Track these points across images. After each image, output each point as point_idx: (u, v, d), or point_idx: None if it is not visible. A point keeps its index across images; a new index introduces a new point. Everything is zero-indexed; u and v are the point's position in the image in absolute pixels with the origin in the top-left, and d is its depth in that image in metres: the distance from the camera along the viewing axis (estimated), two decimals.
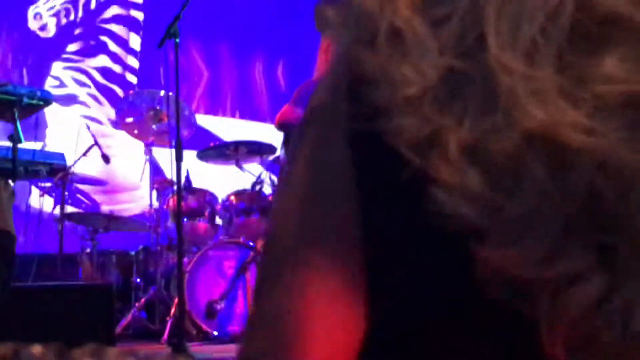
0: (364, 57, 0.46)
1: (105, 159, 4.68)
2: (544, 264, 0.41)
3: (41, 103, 3.23)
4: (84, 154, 4.69)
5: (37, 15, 6.10)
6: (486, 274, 0.43)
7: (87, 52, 6.24)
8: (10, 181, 2.82)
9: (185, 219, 4.55)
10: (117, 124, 5.03)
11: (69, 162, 4.22)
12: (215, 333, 4.30)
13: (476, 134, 0.42)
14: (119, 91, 6.15)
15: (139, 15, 6.45)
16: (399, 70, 0.44)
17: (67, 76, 6.15)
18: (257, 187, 4.73)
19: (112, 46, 6.34)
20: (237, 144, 4.73)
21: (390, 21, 0.46)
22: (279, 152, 4.11)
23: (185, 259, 4.25)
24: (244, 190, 4.74)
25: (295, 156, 0.52)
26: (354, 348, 0.48)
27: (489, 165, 0.42)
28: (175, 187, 4.15)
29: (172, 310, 4.27)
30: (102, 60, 6.28)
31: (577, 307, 0.42)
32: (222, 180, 5.38)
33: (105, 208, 5.55)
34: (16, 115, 3.05)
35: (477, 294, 0.44)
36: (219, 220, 4.81)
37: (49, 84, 5.96)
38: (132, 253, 4.85)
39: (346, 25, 0.50)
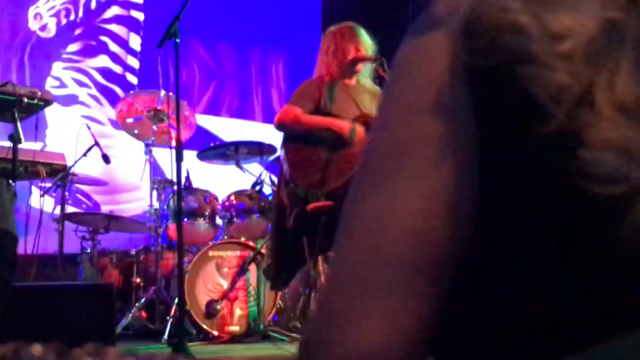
0: (511, 5, 0.44)
1: (106, 159, 4.68)
2: None
3: (41, 103, 3.22)
4: (84, 154, 4.69)
5: (38, 15, 6.10)
6: (633, 236, 0.41)
7: (88, 52, 6.24)
8: (10, 182, 2.82)
9: (185, 219, 4.55)
10: (117, 124, 5.03)
11: (69, 162, 4.21)
12: (215, 333, 4.30)
13: (635, 91, 0.41)
14: (119, 91, 6.14)
15: (139, 15, 6.44)
16: (557, 20, 0.42)
17: (68, 76, 6.15)
18: (257, 187, 4.73)
19: (113, 46, 6.34)
20: (237, 144, 4.73)
21: None
22: (279, 152, 4.11)
23: (186, 259, 4.25)
24: (244, 190, 4.74)
25: (400, 75, 0.49)
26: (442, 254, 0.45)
27: None
28: (175, 187, 4.15)
29: (172, 310, 4.27)
30: (103, 61, 6.28)
31: None
32: (222, 180, 5.38)
33: (105, 208, 5.55)
34: (16, 115, 3.05)
35: (612, 251, 0.42)
36: (219, 220, 4.81)
37: (49, 84, 5.96)
38: (132, 253, 4.85)
39: None
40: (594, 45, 0.42)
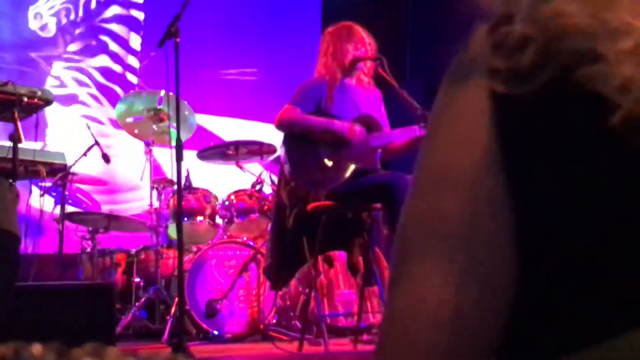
0: (567, 10, 0.45)
1: (106, 158, 4.68)
2: None
3: (41, 103, 3.23)
4: (84, 154, 4.69)
5: (38, 15, 6.10)
6: None
7: (88, 52, 6.24)
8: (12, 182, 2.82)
9: (185, 219, 4.55)
10: (117, 123, 5.03)
11: (69, 162, 4.22)
12: (216, 333, 4.30)
13: None
14: (119, 91, 6.14)
15: (139, 15, 6.44)
16: (616, 18, 0.44)
17: (68, 76, 6.15)
18: (257, 187, 4.73)
19: (113, 46, 6.33)
20: (237, 144, 4.73)
21: None
22: (279, 152, 4.10)
23: (186, 259, 4.25)
24: (244, 190, 4.74)
25: (436, 135, 0.51)
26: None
27: None
28: (175, 187, 4.15)
29: (172, 310, 4.27)
30: (103, 60, 6.28)
31: None
32: (222, 180, 5.37)
33: (105, 208, 5.55)
34: (16, 115, 3.05)
35: None
36: (219, 220, 4.81)
37: (49, 84, 5.95)
38: (132, 253, 4.85)
39: None
40: None
